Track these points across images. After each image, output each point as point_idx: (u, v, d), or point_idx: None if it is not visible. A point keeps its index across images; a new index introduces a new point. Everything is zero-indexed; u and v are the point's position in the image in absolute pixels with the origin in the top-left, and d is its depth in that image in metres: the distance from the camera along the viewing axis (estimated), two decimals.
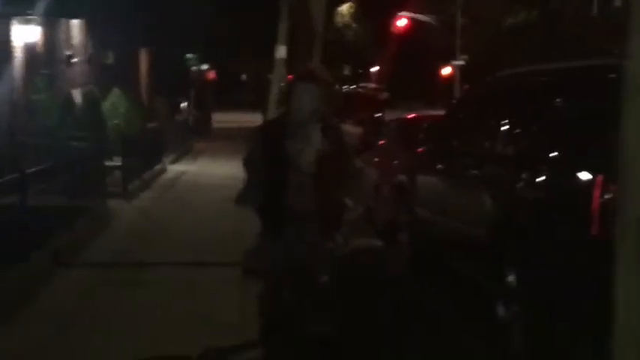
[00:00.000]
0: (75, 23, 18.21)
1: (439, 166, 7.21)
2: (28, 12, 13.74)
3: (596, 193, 4.18)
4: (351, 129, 14.53)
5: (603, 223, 4.13)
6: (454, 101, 16.22)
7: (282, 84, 18.94)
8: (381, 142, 10.69)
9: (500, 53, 28.27)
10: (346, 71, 51.22)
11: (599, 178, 4.18)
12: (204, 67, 33.34)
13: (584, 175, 4.47)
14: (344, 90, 34.85)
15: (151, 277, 7.33)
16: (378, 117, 21.31)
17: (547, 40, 25.89)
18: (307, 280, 4.27)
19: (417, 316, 6.11)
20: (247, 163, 4.49)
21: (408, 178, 7.94)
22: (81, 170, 10.64)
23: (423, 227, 7.29)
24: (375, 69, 49.50)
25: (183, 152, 21.22)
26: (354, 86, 39.93)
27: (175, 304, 6.13)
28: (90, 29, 19.17)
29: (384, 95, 32.89)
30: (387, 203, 8.83)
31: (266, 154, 4.19)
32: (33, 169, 8.17)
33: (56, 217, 8.54)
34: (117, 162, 13.59)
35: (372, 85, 40.03)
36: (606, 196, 4.11)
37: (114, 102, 17.52)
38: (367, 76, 51.08)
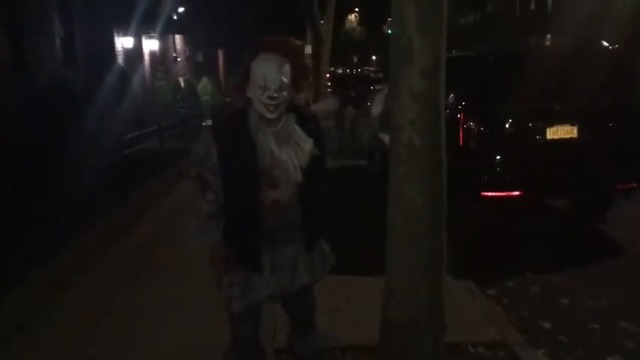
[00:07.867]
0: (178, 37, 18.68)
1: None
2: (151, 31, 14.55)
3: (461, 122, 5.07)
4: None
5: (464, 138, 5.04)
6: None
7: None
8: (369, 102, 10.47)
9: (453, 47, 27.74)
10: (355, 59, 51.08)
11: (462, 114, 5.08)
12: None
13: (458, 113, 5.14)
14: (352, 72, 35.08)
15: None
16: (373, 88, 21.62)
17: (488, 37, 25.42)
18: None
19: (380, 199, 6.85)
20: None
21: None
22: (187, 127, 11.15)
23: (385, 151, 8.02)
24: (374, 58, 49.42)
25: None
26: (360, 70, 40.04)
27: None
28: (187, 40, 19.54)
29: (380, 75, 33.29)
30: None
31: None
32: (164, 124, 8.68)
33: (176, 153, 9.29)
34: (209, 122, 14.10)
35: (372, 69, 40.12)
36: (465, 125, 5.03)
37: (204, 86, 17.77)
38: (369, 63, 50.83)
